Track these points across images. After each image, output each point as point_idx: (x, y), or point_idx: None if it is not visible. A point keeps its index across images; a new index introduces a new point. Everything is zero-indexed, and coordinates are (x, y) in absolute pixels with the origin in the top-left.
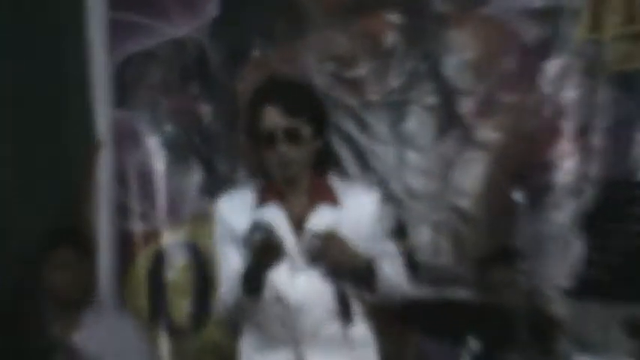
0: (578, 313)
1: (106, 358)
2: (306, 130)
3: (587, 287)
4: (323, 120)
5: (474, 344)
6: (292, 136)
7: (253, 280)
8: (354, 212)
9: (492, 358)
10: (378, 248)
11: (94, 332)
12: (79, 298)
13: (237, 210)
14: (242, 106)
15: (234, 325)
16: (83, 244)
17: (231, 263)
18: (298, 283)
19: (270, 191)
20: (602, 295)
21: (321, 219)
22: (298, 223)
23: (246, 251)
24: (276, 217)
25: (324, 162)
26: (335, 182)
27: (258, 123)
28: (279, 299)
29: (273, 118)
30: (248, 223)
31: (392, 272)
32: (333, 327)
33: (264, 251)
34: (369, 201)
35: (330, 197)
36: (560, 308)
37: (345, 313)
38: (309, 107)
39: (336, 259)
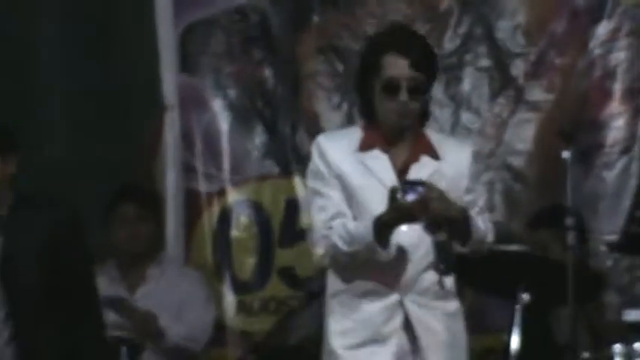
0: (626, 265)
1: (169, 310)
2: (425, 83)
3: (635, 242)
4: (436, 74)
5: (524, 297)
6: (415, 87)
7: (386, 232)
8: (452, 166)
9: (543, 310)
10: (470, 200)
11: (158, 286)
12: (144, 253)
13: (339, 150)
14: (360, 50)
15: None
16: (148, 201)
17: (335, 201)
18: (400, 232)
19: (375, 136)
20: None
21: (422, 170)
22: (400, 173)
23: (391, 205)
24: (380, 163)
25: (425, 114)
26: (432, 135)
27: (379, 70)
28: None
29: (399, 67)
30: (351, 164)
31: (482, 225)
32: (431, 276)
33: (414, 210)
34: (464, 155)
35: (431, 150)
36: (608, 262)
37: (446, 263)
38: (431, 61)
39: (436, 210)
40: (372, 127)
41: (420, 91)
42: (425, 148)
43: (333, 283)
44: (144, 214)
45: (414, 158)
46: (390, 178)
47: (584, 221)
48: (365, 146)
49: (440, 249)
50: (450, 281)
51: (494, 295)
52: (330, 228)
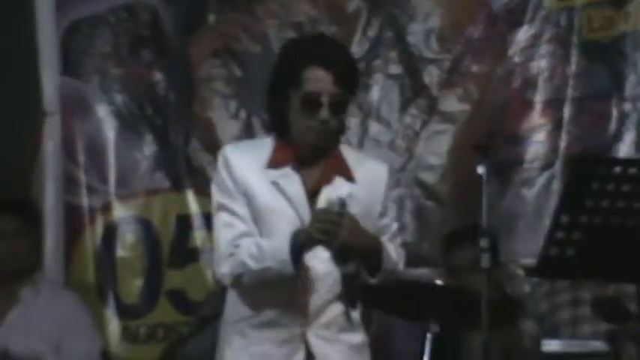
0: (545, 291)
1: (46, 336)
2: (346, 100)
3: (554, 266)
4: (356, 90)
5: (436, 325)
6: (337, 104)
7: (300, 254)
8: (368, 189)
9: (455, 338)
10: (383, 225)
11: (32, 309)
12: (19, 271)
13: (247, 165)
14: (278, 60)
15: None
16: (27, 214)
17: (243, 219)
18: (308, 261)
19: (287, 153)
20: (570, 273)
21: (335, 193)
22: (311, 195)
23: (308, 228)
24: (291, 183)
25: (341, 131)
26: (348, 152)
27: (299, 83)
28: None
29: (322, 82)
30: (259, 181)
31: (394, 254)
32: (337, 308)
33: (332, 228)
34: (381, 177)
35: (345, 171)
36: (526, 287)
37: (353, 295)
38: (355, 76)
39: (350, 242)
40: (285, 142)
41: (341, 108)
42: (339, 168)
43: (232, 309)
44: (22, 229)
45: (326, 180)
46: (301, 200)
47: (499, 242)
48: (275, 163)
49: (348, 281)
50: (356, 312)
51: (403, 320)
52: (237, 247)
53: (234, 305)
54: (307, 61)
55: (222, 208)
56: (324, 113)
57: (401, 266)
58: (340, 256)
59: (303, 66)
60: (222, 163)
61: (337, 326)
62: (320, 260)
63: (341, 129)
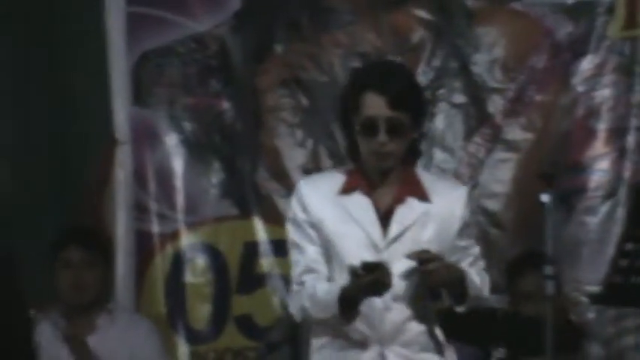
0: (611, 316)
1: None
2: (407, 122)
3: (619, 293)
4: (423, 111)
5: (500, 351)
6: (394, 127)
7: (352, 305)
8: (444, 208)
9: None
10: (464, 247)
11: (108, 335)
12: (93, 300)
13: (319, 194)
14: (342, 89)
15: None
16: (96, 244)
17: (308, 255)
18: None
19: (357, 179)
20: (634, 301)
21: (409, 213)
22: (385, 215)
23: (352, 281)
24: (361, 207)
25: (415, 153)
26: (423, 175)
27: (358, 109)
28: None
29: (377, 107)
30: (331, 209)
31: (477, 280)
32: (416, 326)
33: (373, 287)
34: (457, 198)
35: (419, 191)
36: (591, 314)
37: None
38: (413, 99)
39: (438, 280)
40: (356, 170)
41: (400, 131)
42: (412, 189)
43: (315, 338)
44: (91, 260)
45: (399, 200)
46: (371, 222)
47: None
48: (347, 189)
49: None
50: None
51: (468, 345)
52: (301, 283)
53: (316, 334)
54: (364, 88)
55: (293, 245)
56: (382, 136)
57: (486, 291)
58: (427, 290)
59: (360, 92)
60: (295, 196)
61: (419, 345)
62: (397, 277)
63: (414, 151)
